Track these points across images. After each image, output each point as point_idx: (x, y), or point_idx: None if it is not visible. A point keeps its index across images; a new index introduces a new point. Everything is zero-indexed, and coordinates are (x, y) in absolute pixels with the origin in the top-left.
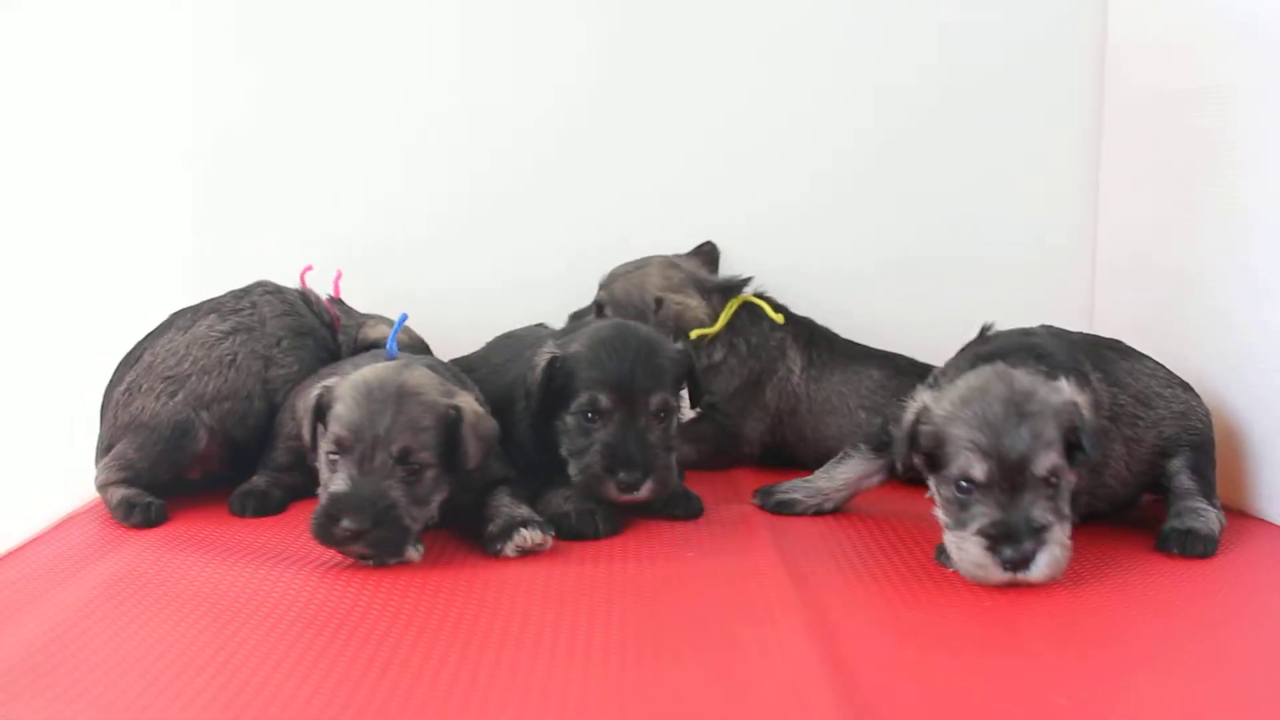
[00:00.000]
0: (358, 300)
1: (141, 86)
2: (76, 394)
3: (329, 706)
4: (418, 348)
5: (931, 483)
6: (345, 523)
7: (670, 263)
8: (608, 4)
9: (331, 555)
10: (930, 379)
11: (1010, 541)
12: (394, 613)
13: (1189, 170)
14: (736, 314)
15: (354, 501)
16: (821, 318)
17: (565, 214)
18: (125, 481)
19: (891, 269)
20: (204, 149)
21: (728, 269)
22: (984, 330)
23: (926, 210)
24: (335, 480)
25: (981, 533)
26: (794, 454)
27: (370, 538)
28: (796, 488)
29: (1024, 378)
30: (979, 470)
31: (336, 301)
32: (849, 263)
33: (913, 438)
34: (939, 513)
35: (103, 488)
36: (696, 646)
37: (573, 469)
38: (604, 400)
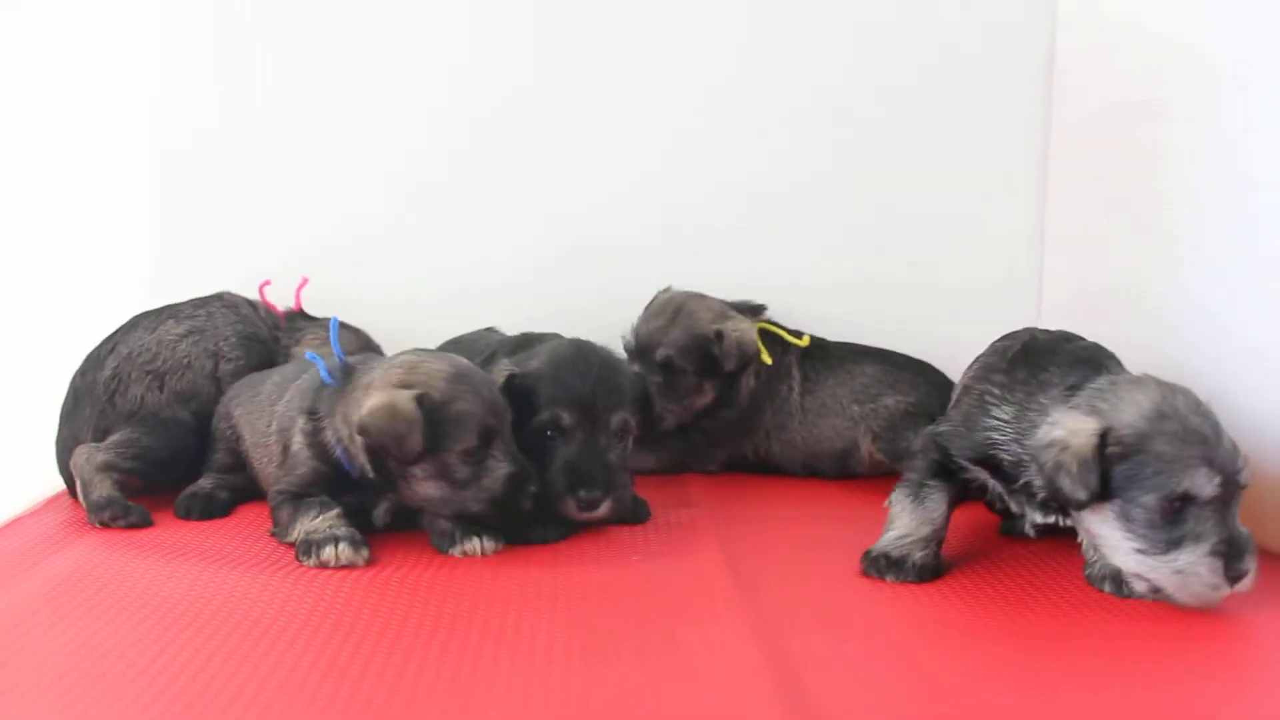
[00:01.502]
0: (317, 304)
1: (101, 85)
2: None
3: (269, 708)
4: (367, 347)
5: (1107, 511)
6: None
7: (696, 295)
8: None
9: (278, 558)
10: (1038, 395)
11: (1240, 558)
12: (338, 615)
13: (1133, 187)
14: (760, 338)
15: (526, 478)
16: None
17: (529, 217)
18: (128, 473)
19: (845, 283)
20: (164, 148)
21: (694, 277)
22: (1033, 339)
23: (881, 227)
24: (498, 466)
25: (1216, 553)
26: (779, 466)
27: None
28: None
29: (1187, 389)
30: (1210, 487)
31: (297, 314)
32: (808, 274)
33: (1101, 462)
34: (1115, 540)
35: (103, 468)
36: (640, 648)
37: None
38: (566, 418)
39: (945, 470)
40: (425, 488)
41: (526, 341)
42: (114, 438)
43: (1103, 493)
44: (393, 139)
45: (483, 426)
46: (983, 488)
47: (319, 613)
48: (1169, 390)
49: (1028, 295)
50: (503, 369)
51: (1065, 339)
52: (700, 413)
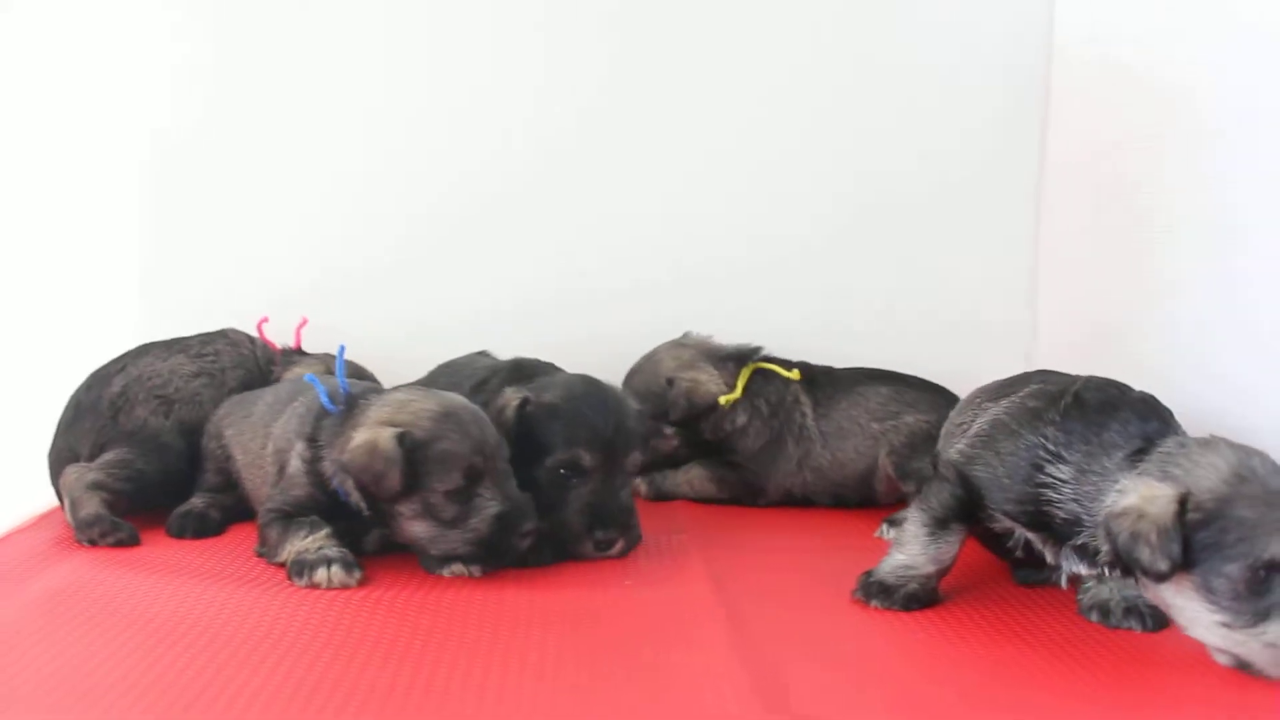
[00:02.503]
0: (313, 331)
1: (99, 100)
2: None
3: None
4: (359, 376)
5: (1186, 582)
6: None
7: (676, 343)
8: (590, 30)
9: (269, 576)
10: (1101, 458)
11: None
12: (329, 633)
13: (1126, 227)
14: (751, 378)
15: (518, 517)
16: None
17: (531, 249)
18: (118, 493)
19: (841, 319)
20: (161, 172)
21: (696, 310)
22: (1085, 388)
23: (877, 266)
24: (486, 505)
25: None
26: (812, 496)
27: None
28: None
29: (1261, 450)
30: None
31: (294, 351)
32: (806, 311)
33: (1181, 530)
34: (1196, 612)
35: (92, 486)
36: (629, 669)
37: (543, 521)
38: (587, 459)
39: (968, 510)
40: (413, 526)
41: (520, 367)
42: (107, 456)
43: (1191, 562)
44: (393, 168)
45: (468, 466)
46: (997, 532)
47: (309, 631)
48: (1244, 452)
49: (1022, 332)
50: (514, 394)
51: (1119, 390)
52: (721, 447)
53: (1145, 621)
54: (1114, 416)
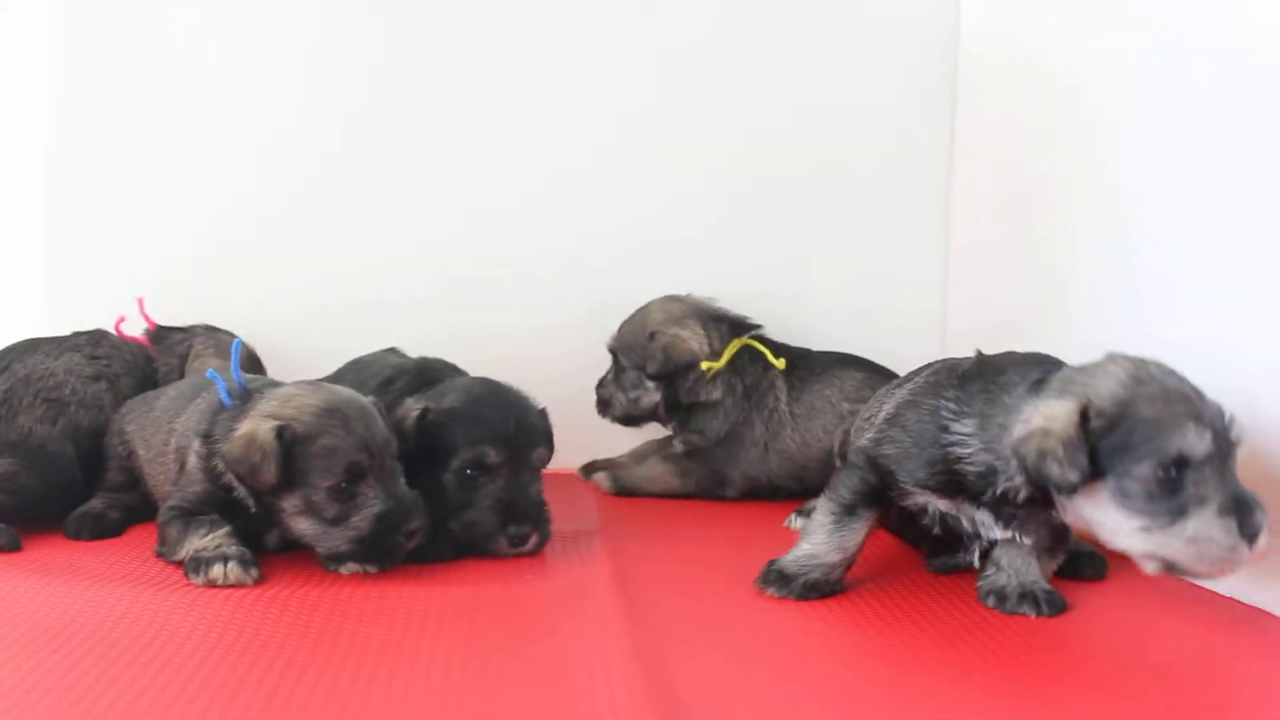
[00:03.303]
0: (211, 318)
1: None
2: None
3: None
4: (250, 358)
5: (1101, 493)
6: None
7: (671, 298)
8: (490, 12)
9: (164, 577)
10: (1001, 397)
11: (1251, 513)
12: (219, 633)
13: (1031, 219)
14: (738, 354)
15: (402, 515)
16: None
17: (430, 234)
18: None
19: (756, 314)
20: (53, 168)
21: (597, 294)
22: (982, 355)
23: (791, 260)
24: (368, 504)
25: (1225, 511)
26: (779, 483)
27: None
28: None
29: (1157, 359)
30: (1203, 444)
31: (157, 331)
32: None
33: (1086, 439)
34: (1116, 521)
35: None
36: (519, 662)
37: (454, 524)
38: (492, 455)
39: (877, 495)
40: (297, 523)
41: (425, 368)
42: None
43: (1093, 472)
44: (286, 151)
45: (350, 463)
46: (912, 513)
47: (200, 630)
48: (1139, 360)
49: (934, 325)
50: (415, 404)
51: (1013, 353)
52: (676, 419)
53: (1039, 607)
54: (1010, 363)
